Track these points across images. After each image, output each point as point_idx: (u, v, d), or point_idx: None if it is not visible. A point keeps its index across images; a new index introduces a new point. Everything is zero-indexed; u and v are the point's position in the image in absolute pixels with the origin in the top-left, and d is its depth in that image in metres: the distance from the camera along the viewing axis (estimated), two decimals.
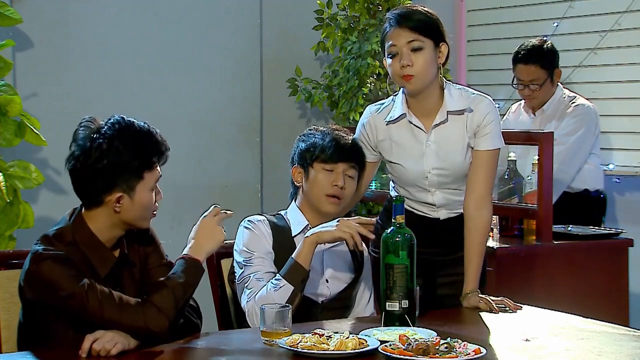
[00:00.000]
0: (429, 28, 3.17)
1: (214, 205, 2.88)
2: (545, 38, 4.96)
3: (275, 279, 3.02)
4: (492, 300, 3.14)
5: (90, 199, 2.75)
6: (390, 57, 3.18)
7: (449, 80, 3.32)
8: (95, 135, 2.72)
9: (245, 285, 3.08)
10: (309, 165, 3.20)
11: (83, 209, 2.78)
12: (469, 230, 3.22)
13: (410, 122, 3.24)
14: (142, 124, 2.77)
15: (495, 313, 3.09)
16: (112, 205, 2.72)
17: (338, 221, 3.03)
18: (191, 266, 2.75)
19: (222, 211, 2.85)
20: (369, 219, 3.16)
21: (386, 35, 3.19)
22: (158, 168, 2.78)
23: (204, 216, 2.84)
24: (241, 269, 3.12)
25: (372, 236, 3.03)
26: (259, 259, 3.12)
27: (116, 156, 2.69)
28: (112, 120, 2.75)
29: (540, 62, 4.75)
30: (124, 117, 2.76)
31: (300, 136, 3.30)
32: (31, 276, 2.65)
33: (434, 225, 3.31)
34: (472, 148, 3.24)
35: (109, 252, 2.77)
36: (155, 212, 2.82)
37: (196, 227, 2.83)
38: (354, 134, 3.34)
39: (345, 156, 3.20)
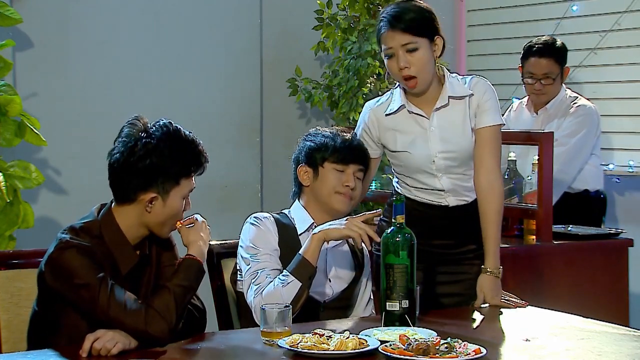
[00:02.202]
0: (422, 27, 3.18)
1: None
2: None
3: (283, 275, 3.02)
4: (509, 300, 3.22)
5: (125, 194, 2.77)
6: (387, 58, 3.21)
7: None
8: (142, 134, 2.76)
9: (252, 281, 3.07)
10: (319, 164, 3.22)
11: (113, 204, 2.80)
12: (483, 203, 3.24)
13: (411, 112, 3.27)
14: (187, 132, 2.83)
15: (512, 308, 3.18)
16: (145, 205, 2.76)
17: (346, 219, 3.04)
18: (194, 269, 2.78)
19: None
20: (374, 211, 3.17)
21: (381, 37, 3.21)
22: (193, 178, 2.83)
23: (196, 220, 2.89)
24: (247, 265, 3.12)
25: (378, 239, 3.00)
26: (266, 255, 3.12)
27: (159, 158, 2.74)
28: (160, 123, 2.80)
29: (554, 56, 4.73)
30: (172, 122, 2.82)
31: (305, 136, 3.31)
32: (53, 261, 2.66)
33: (444, 214, 3.31)
34: (475, 129, 3.26)
35: (132, 251, 2.80)
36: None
37: (193, 231, 2.86)
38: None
39: (356, 158, 3.23)
